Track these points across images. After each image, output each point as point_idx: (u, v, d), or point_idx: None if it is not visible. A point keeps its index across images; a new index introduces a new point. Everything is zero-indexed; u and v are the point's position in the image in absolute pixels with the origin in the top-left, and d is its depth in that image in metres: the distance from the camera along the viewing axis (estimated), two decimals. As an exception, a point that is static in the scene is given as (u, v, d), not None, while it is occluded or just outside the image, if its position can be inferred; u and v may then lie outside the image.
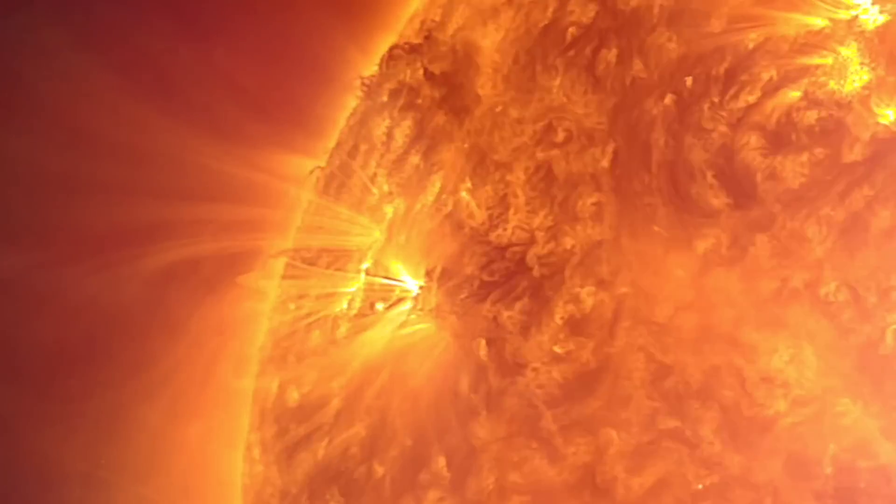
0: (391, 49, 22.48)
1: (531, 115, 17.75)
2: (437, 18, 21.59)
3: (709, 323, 14.18)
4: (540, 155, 17.18)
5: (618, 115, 16.30)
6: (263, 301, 23.19)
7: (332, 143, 23.05)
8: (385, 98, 21.52)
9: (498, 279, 16.92)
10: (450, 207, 18.45)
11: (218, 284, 21.97)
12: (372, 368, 18.98)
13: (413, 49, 21.62)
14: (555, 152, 16.95)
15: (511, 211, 17.18)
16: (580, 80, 17.17)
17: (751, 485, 13.45)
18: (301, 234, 22.71)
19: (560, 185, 16.62)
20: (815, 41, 14.71)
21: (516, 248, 16.88)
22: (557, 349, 15.65)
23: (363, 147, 21.59)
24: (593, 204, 15.98)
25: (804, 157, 14.08)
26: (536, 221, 16.65)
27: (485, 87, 19.08)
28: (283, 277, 22.55)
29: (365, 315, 19.83)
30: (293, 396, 21.16)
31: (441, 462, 16.92)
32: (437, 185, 18.95)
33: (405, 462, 17.52)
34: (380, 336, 19.16)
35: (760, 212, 14.18)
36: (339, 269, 21.03)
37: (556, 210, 16.39)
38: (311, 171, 22.31)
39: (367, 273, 20.18)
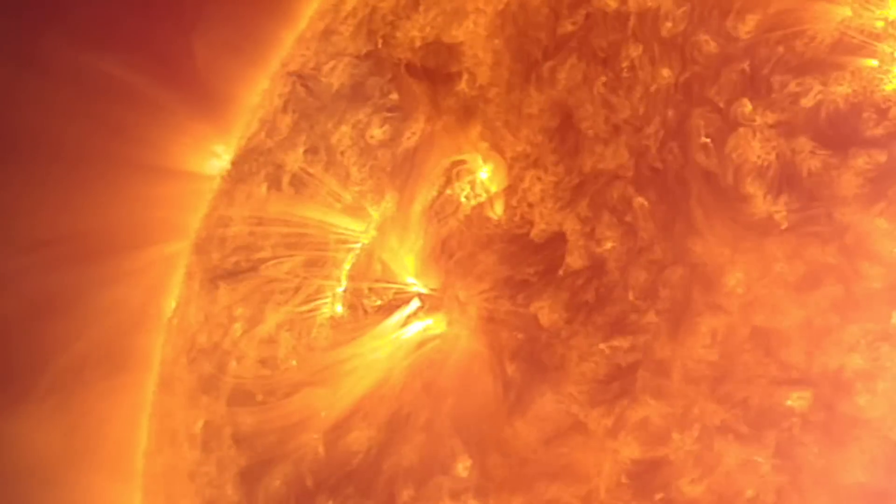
0: (332, 37, 21.78)
1: (543, 111, 17.26)
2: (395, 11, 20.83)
3: (776, 324, 13.99)
4: (560, 151, 16.68)
5: (648, 117, 15.95)
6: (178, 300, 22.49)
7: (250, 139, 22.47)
8: (338, 94, 20.68)
9: (527, 277, 16.33)
10: (459, 205, 17.71)
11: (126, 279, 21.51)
12: (371, 374, 18.01)
13: (373, 42, 20.85)
14: (579, 149, 16.46)
15: (535, 209, 16.59)
16: (597, 78, 16.77)
17: (834, 486, 13.31)
18: (256, 233, 21.57)
19: (590, 182, 16.17)
20: (858, 40, 14.73)
21: (545, 246, 16.31)
22: (604, 349, 15.15)
23: (321, 146, 20.55)
24: (632, 204, 15.56)
25: (861, 158, 14.08)
26: (568, 220, 16.11)
27: (480, 81, 18.44)
28: (234, 276, 21.41)
29: (355, 318, 18.84)
30: (256, 403, 19.90)
31: (465, 470, 16.22)
32: (441, 182, 18.19)
33: (422, 473, 16.69)
34: (379, 340, 18.21)
35: (822, 213, 14.10)
36: (315, 270, 19.96)
37: (590, 208, 15.91)
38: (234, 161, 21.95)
39: (354, 273, 19.21)
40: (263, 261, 20.79)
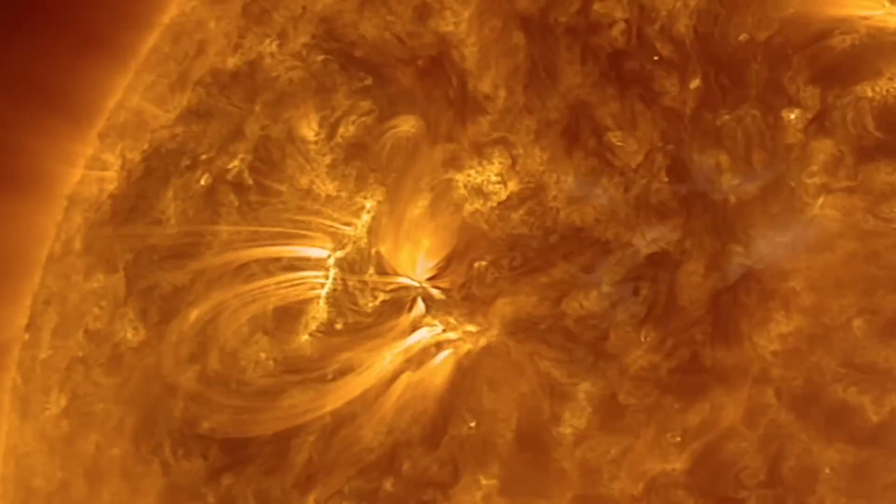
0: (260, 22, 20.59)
1: (554, 109, 16.73)
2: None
3: (842, 324, 14.02)
4: (586, 150, 16.20)
5: (679, 115, 15.67)
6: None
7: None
8: (298, 85, 19.43)
9: (558, 277, 15.79)
10: (465, 200, 16.93)
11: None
12: (371, 379, 17.03)
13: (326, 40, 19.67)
14: (606, 146, 16.03)
15: (560, 207, 16.05)
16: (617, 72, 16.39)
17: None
18: (208, 222, 20.07)
19: (622, 180, 15.77)
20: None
21: (575, 245, 15.81)
22: (654, 351, 14.82)
23: (286, 140, 19.25)
24: (673, 205, 15.26)
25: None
26: (600, 220, 15.66)
27: (478, 73, 17.71)
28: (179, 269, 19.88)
29: (346, 320, 17.75)
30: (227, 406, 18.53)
31: (492, 477, 15.61)
32: (441, 176, 17.35)
33: (439, 479, 15.97)
34: (376, 343, 17.23)
35: (883, 214, 14.21)
36: (294, 265, 18.68)
37: (629, 208, 15.52)
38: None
39: (344, 269, 18.06)
40: (215, 253, 19.35)
